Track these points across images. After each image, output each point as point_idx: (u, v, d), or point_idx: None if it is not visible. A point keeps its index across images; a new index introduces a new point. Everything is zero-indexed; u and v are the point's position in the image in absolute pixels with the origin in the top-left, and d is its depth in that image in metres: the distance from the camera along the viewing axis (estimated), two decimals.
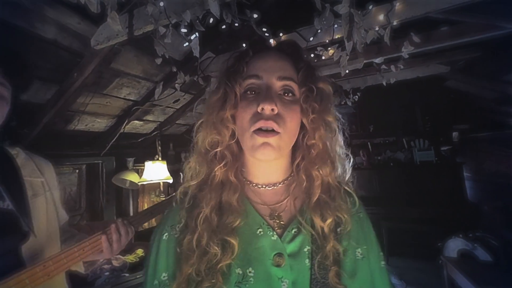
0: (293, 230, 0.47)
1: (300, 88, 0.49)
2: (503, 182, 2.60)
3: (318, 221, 0.47)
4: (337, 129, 0.52)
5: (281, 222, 0.48)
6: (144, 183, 2.33)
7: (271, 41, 1.54)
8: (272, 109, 0.45)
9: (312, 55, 1.58)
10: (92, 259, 0.80)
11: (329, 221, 0.47)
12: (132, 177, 2.31)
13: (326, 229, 0.46)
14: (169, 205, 0.54)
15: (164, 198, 2.43)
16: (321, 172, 0.49)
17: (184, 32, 1.22)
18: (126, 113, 2.06)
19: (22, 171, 0.75)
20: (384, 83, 2.10)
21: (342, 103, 2.51)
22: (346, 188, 0.53)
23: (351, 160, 0.54)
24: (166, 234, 0.50)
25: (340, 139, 0.53)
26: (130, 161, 2.46)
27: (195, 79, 1.71)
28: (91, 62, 1.41)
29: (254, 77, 0.48)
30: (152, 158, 2.45)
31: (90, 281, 1.71)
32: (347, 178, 0.54)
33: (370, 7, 1.28)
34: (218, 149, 0.50)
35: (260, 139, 0.46)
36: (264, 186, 0.52)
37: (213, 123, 0.50)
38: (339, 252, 0.46)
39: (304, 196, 0.50)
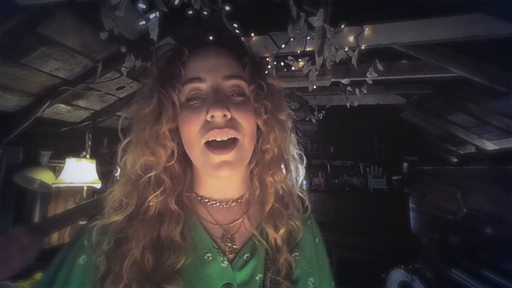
0: (245, 255, 0.46)
1: (249, 85, 0.48)
2: (441, 215, 3.07)
3: (271, 232, 0.47)
4: (290, 128, 0.53)
5: (234, 246, 0.47)
6: (61, 185, 2.03)
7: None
8: (225, 115, 0.43)
9: (282, 63, 1.66)
10: None
11: (282, 231, 0.47)
12: (45, 176, 2.00)
13: (278, 240, 0.47)
14: (94, 209, 0.47)
15: None
16: (275, 178, 0.49)
17: (142, 8, 1.16)
18: (50, 92, 1.82)
19: None
20: (348, 105, 2.32)
21: (307, 119, 2.67)
22: (299, 193, 0.54)
23: (305, 161, 0.55)
24: (84, 257, 0.42)
25: (294, 139, 0.54)
26: (45, 156, 2.13)
27: (148, 65, 1.61)
28: (10, 19, 1.21)
29: (195, 80, 0.45)
30: (77, 154, 2.18)
31: None
32: (300, 181, 0.54)
33: (343, 26, 1.43)
34: (153, 173, 0.45)
35: (215, 158, 0.43)
36: (217, 203, 0.50)
37: (145, 141, 0.45)
38: (291, 266, 0.46)
39: (258, 207, 0.50)
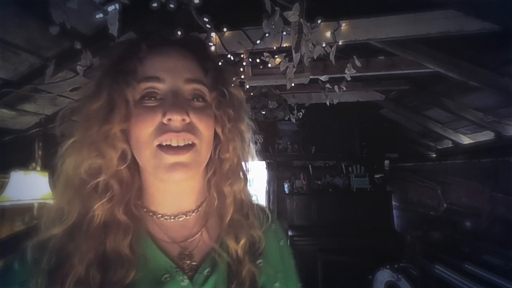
0: (206, 270, 0.46)
1: (211, 91, 0.49)
2: (423, 212, 3.27)
3: (232, 244, 0.48)
4: (250, 139, 0.55)
5: (193, 263, 0.46)
6: (6, 204, 1.86)
7: (213, 35, 1.56)
8: (183, 119, 0.43)
9: (257, 60, 1.68)
10: None
11: (242, 242, 0.48)
12: None
13: (240, 252, 0.48)
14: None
15: None
16: (234, 188, 0.51)
17: (99, 0, 1.11)
18: None
19: None
20: (328, 103, 2.40)
21: (286, 118, 2.71)
22: (258, 203, 0.57)
23: (249, 172, 0.57)
24: None
25: (252, 150, 0.56)
26: None
27: None
28: None
29: (153, 80, 0.45)
30: (25, 166, 2.02)
31: None
32: (250, 192, 0.56)
33: (319, 21, 1.48)
34: (101, 178, 0.43)
35: (169, 158, 0.43)
36: (172, 218, 0.49)
37: (92, 142, 0.43)
38: (255, 275, 0.47)
39: (217, 218, 0.51)
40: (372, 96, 2.97)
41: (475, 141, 2.71)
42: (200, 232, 0.49)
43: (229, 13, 1.64)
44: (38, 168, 2.11)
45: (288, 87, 1.82)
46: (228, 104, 0.50)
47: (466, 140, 2.80)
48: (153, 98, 0.45)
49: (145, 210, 0.48)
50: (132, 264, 0.41)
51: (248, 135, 0.54)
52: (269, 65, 1.76)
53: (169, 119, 0.43)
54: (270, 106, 2.39)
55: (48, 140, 2.26)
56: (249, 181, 0.54)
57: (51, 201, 1.96)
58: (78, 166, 0.43)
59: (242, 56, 1.79)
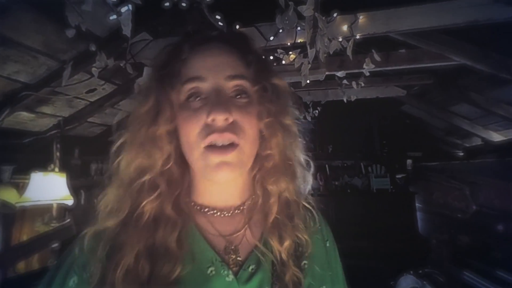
0: (250, 268, 0.47)
1: (252, 86, 0.49)
2: (449, 214, 3.15)
3: (276, 245, 0.48)
4: (296, 133, 0.54)
5: (238, 258, 0.47)
6: (27, 204, 1.97)
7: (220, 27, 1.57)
8: (226, 119, 0.44)
9: (271, 57, 1.67)
10: None
11: (286, 243, 0.48)
12: (7, 194, 1.96)
13: (284, 254, 0.47)
14: (60, 236, 0.47)
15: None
16: (278, 186, 0.50)
17: (113, 1, 1.15)
18: (9, 99, 1.79)
19: None
20: (345, 100, 2.36)
21: (301, 117, 2.68)
22: (305, 203, 0.55)
23: (312, 168, 0.56)
24: (76, 278, 0.43)
25: (300, 144, 0.55)
26: (7, 171, 2.08)
27: (121, 65, 1.59)
28: None
29: (196, 80, 0.46)
30: (44, 167, 2.12)
31: None
32: (307, 190, 0.55)
33: (335, 14, 1.45)
34: (147, 177, 0.46)
35: (215, 158, 0.44)
36: (218, 212, 0.50)
37: (140, 143, 0.47)
38: (299, 278, 0.47)
39: (261, 216, 0.51)
40: (392, 92, 2.89)
41: (507, 138, 2.57)
42: (244, 228, 0.50)
43: (241, 10, 1.64)
44: (57, 169, 2.21)
45: (303, 84, 1.80)
46: (270, 98, 0.49)
47: (497, 137, 2.67)
48: (198, 98, 0.46)
49: (193, 204, 0.51)
50: (178, 259, 0.43)
51: (294, 129, 0.53)
52: (283, 62, 1.75)
53: (213, 119, 0.44)
54: None
55: (66, 142, 2.37)
56: (298, 180, 0.53)
57: (69, 202, 2.05)
58: (128, 165, 0.47)
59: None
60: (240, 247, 0.49)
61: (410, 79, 2.56)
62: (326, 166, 3.85)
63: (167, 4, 1.21)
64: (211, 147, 0.44)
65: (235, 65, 0.49)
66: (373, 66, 1.80)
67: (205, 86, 0.46)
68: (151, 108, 0.47)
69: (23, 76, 1.71)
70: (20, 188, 2.11)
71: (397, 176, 3.66)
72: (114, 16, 1.19)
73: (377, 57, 1.73)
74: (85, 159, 2.57)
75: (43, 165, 2.17)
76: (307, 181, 0.55)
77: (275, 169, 0.50)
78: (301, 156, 0.55)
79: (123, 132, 0.49)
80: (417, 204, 3.56)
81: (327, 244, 0.56)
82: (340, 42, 1.51)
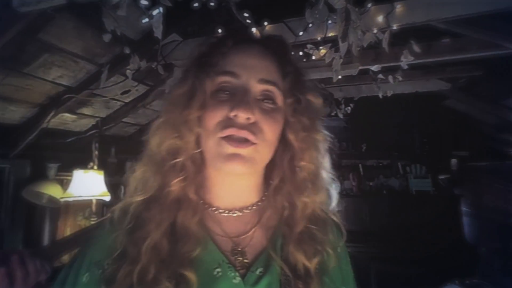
0: (258, 270, 0.47)
1: (285, 97, 0.51)
2: (502, 220, 2.88)
3: (301, 259, 0.47)
4: (325, 150, 0.55)
5: (245, 260, 0.48)
6: (70, 199, 2.15)
7: (254, 31, 1.58)
8: (248, 118, 0.46)
9: (300, 53, 1.65)
10: None
11: (316, 259, 0.48)
12: (53, 190, 2.13)
13: (311, 269, 0.47)
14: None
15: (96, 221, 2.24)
16: (305, 199, 0.51)
17: (145, 5, 1.20)
18: (54, 102, 1.94)
19: None
20: (380, 95, 2.25)
21: (333, 114, 2.62)
22: (333, 218, 0.56)
23: (339, 186, 0.58)
24: (88, 274, 0.46)
25: (328, 162, 0.56)
26: (53, 168, 2.27)
27: (153, 66, 1.67)
28: (11, 28, 1.31)
29: (229, 75, 0.49)
30: (84, 165, 2.29)
31: None
32: (332, 206, 0.56)
33: (369, 5, 1.39)
34: (180, 158, 0.49)
35: (229, 148, 0.45)
36: (227, 212, 0.51)
37: (174, 124, 0.49)
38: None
39: (281, 227, 0.51)
40: (434, 86, 2.70)
41: None
42: (253, 230, 0.51)
43: (269, 6, 1.64)
44: (95, 167, 2.38)
45: (334, 80, 1.75)
46: (303, 112, 0.51)
47: None
48: (226, 92, 0.48)
49: (201, 202, 0.52)
50: (197, 241, 0.45)
51: (323, 146, 0.54)
52: (313, 57, 1.72)
53: (235, 115, 0.46)
54: None
55: (103, 141, 2.53)
56: (328, 194, 0.55)
57: (107, 198, 2.20)
58: (160, 144, 0.49)
59: None
60: (248, 249, 0.49)
61: (455, 71, 2.38)
62: (360, 165, 3.72)
63: (196, 4, 1.25)
64: (228, 137, 0.46)
65: (270, 71, 0.50)
66: (412, 58, 1.69)
67: (236, 82, 0.48)
68: (186, 92, 0.49)
69: (65, 80, 1.84)
70: (64, 184, 2.30)
71: (440, 177, 3.42)
72: (146, 19, 1.26)
73: (416, 49, 1.63)
74: (121, 157, 2.73)
75: (84, 163, 2.34)
76: (332, 197, 0.56)
77: (304, 182, 0.51)
78: (328, 173, 0.56)
79: (160, 113, 0.52)
80: (463, 208, 3.30)
81: (338, 250, 0.55)
82: (375, 34, 1.45)
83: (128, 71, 1.66)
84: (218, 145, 0.46)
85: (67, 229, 2.46)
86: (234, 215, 0.51)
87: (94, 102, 2.17)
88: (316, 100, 0.54)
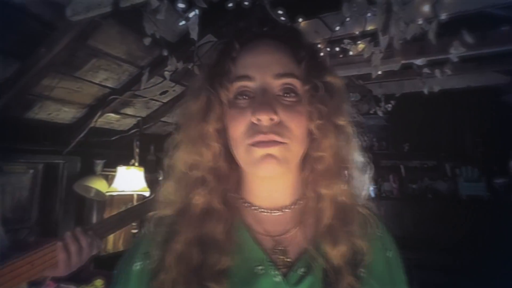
0: (300, 270, 0.46)
1: (303, 84, 0.48)
2: None
3: (329, 251, 0.46)
4: (352, 134, 0.51)
5: (287, 259, 0.47)
6: (114, 194, 2.32)
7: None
8: (271, 118, 0.44)
9: (337, 49, 1.61)
10: (42, 275, 0.78)
11: (341, 250, 0.46)
12: (99, 184, 2.31)
13: (339, 261, 0.45)
14: (145, 210, 0.54)
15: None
16: (331, 189, 0.49)
17: (182, 8, 1.26)
18: (101, 103, 2.10)
19: None
20: (426, 91, 2.10)
21: (371, 112, 2.51)
22: (362, 208, 0.52)
23: (372, 170, 0.53)
24: (139, 264, 0.49)
25: (356, 145, 0.52)
26: (99, 164, 2.46)
27: (189, 67, 1.73)
28: (64, 36, 1.45)
29: (244, 79, 0.47)
30: (126, 162, 2.46)
31: None
32: (364, 194, 0.53)
33: None
34: (197, 173, 0.49)
35: (260, 151, 0.45)
36: (267, 211, 0.51)
37: (191, 140, 0.49)
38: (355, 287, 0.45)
39: (317, 223, 0.49)
40: (490, 79, 2.46)
41: None
42: (294, 230, 0.50)
43: (304, 2, 1.61)
44: (136, 164, 2.54)
45: (373, 76, 1.68)
46: (321, 98, 0.48)
47: None
48: (245, 97, 0.47)
49: (242, 200, 0.52)
50: (226, 251, 0.45)
51: (349, 129, 0.51)
52: (351, 52, 1.66)
53: (258, 119, 0.44)
54: (352, 99, 2.26)
55: (143, 139, 2.69)
56: (357, 181, 0.52)
57: (146, 194, 2.34)
58: (180, 161, 0.51)
59: (319, 46, 1.74)
60: (289, 248, 0.48)
61: None
62: (401, 166, 3.52)
63: (230, 4, 1.27)
64: (257, 143, 0.45)
65: (284, 62, 0.48)
66: (464, 49, 1.56)
67: (253, 85, 0.47)
68: (202, 107, 0.49)
69: (110, 82, 1.99)
70: (109, 179, 2.49)
71: (496, 181, 3.11)
72: (183, 22, 1.31)
73: (468, 39, 1.49)
74: (159, 155, 2.88)
75: (126, 160, 2.51)
76: (364, 185, 0.53)
77: (327, 172, 0.49)
78: (358, 158, 0.52)
79: (178, 130, 0.52)
80: None
81: (389, 254, 0.52)
82: (420, 25, 1.36)
83: (166, 72, 1.74)
84: (248, 151, 0.46)
85: None
86: (275, 214, 0.51)
87: (136, 102, 2.31)
88: (336, 81, 0.50)
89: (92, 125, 2.15)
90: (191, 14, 1.27)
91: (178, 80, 2.24)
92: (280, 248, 0.48)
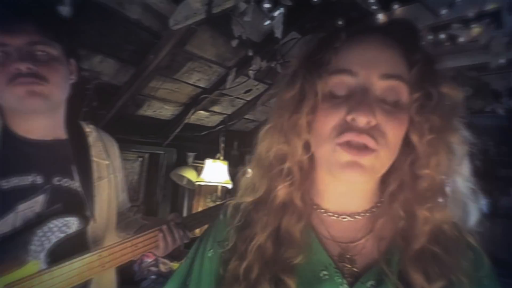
0: (370, 283, 0.43)
1: (413, 91, 0.43)
2: None
3: (419, 280, 0.41)
4: (464, 155, 0.45)
5: (354, 269, 0.45)
6: (202, 183, 2.59)
7: (380, 17, 1.43)
8: (369, 122, 0.41)
9: (442, 36, 1.39)
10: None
11: (438, 284, 0.41)
12: (190, 174, 2.61)
13: None
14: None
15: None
16: (430, 212, 0.43)
17: (267, 8, 1.29)
18: (194, 101, 2.35)
19: (92, 150, 0.94)
20: None
21: (488, 109, 2.09)
22: (468, 239, 0.46)
23: (480, 200, 0.46)
24: (212, 250, 0.53)
25: (467, 169, 0.45)
26: (191, 156, 2.79)
27: (272, 65, 1.77)
28: (167, 43, 1.67)
29: (345, 73, 0.43)
30: (213, 156, 2.70)
31: (136, 280, 2.03)
32: (470, 225, 0.46)
33: None
34: (286, 165, 0.48)
35: (347, 156, 0.41)
36: (337, 216, 0.49)
37: (282, 129, 0.48)
38: None
39: (397, 240, 0.45)
40: None
41: None
42: (365, 239, 0.47)
43: None
44: (221, 158, 2.76)
45: (492, 66, 1.39)
46: (434, 109, 0.43)
47: None
48: (342, 93, 0.44)
49: (310, 201, 0.51)
50: (300, 248, 0.46)
51: (460, 149, 0.45)
52: (461, 39, 1.41)
53: (353, 119, 0.41)
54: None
55: (228, 135, 2.90)
56: (463, 209, 0.46)
57: (229, 186, 2.52)
58: (268, 150, 0.51)
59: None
60: (357, 258, 0.46)
61: None
62: None
63: (316, 0, 1.24)
64: (345, 144, 0.42)
65: (394, 62, 0.43)
66: None
67: (353, 81, 0.43)
68: (295, 96, 0.46)
69: (202, 83, 2.20)
70: (198, 170, 2.79)
71: None
72: (268, 22, 1.35)
73: None
74: (242, 150, 3.06)
75: (213, 154, 2.76)
76: (469, 214, 0.46)
77: (431, 192, 0.44)
78: (466, 184, 0.45)
79: (269, 118, 0.52)
80: None
81: (484, 282, 0.44)
82: None
83: (250, 71, 1.83)
84: (334, 152, 0.43)
85: (199, 207, 2.99)
86: (344, 220, 0.49)
87: (223, 100, 2.50)
88: (454, 93, 0.44)
89: (186, 121, 2.43)
90: (276, 13, 1.30)
91: (261, 78, 2.32)
92: (348, 256, 0.46)
